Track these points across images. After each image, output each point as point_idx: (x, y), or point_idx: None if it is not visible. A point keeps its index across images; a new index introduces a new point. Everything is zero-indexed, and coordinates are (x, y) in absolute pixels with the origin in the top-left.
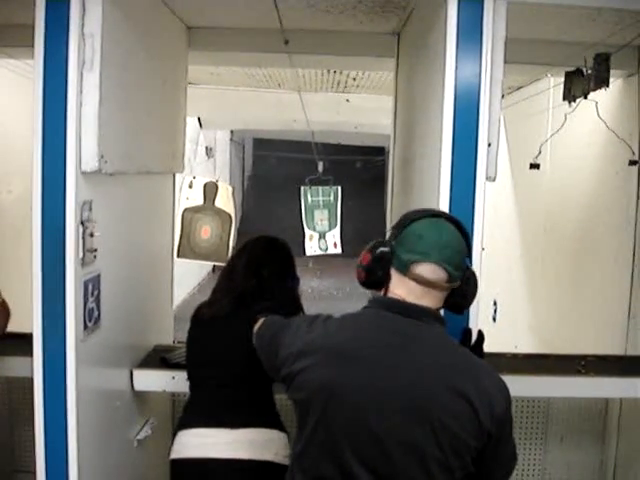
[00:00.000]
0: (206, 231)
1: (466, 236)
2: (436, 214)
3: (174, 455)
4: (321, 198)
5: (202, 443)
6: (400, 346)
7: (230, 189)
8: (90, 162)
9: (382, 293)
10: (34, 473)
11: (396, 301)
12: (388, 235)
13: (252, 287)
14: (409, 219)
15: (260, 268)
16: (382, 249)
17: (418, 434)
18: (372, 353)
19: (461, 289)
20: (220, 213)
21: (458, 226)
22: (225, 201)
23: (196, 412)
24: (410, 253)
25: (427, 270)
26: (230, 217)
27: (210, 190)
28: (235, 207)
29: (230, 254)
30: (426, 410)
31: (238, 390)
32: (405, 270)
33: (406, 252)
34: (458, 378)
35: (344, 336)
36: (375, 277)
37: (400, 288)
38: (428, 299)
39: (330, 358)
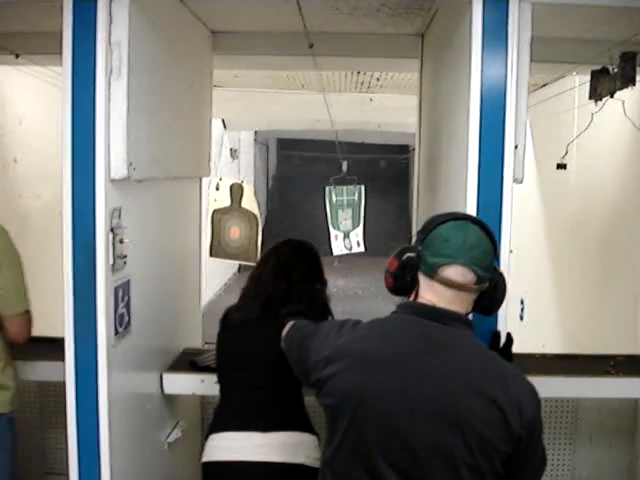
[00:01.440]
0: (235, 232)
1: (492, 238)
2: (461, 217)
3: (206, 458)
4: (345, 197)
5: (234, 446)
6: (430, 352)
7: (252, 189)
8: (119, 169)
9: (412, 298)
10: (66, 475)
11: (425, 306)
12: (414, 240)
13: (281, 291)
14: (434, 223)
15: (289, 272)
16: (409, 254)
17: (449, 439)
18: (402, 359)
19: (490, 291)
20: (247, 214)
21: (484, 228)
22: (250, 202)
23: (227, 415)
24: (437, 256)
25: (455, 272)
26: (256, 217)
27: (236, 191)
28: (259, 207)
29: (259, 254)
30: (456, 416)
31: (268, 393)
32: (433, 274)
33: (433, 256)
34: (488, 383)
35: (374, 342)
36: (403, 283)
37: (429, 293)
38: (458, 304)
39: (360, 364)
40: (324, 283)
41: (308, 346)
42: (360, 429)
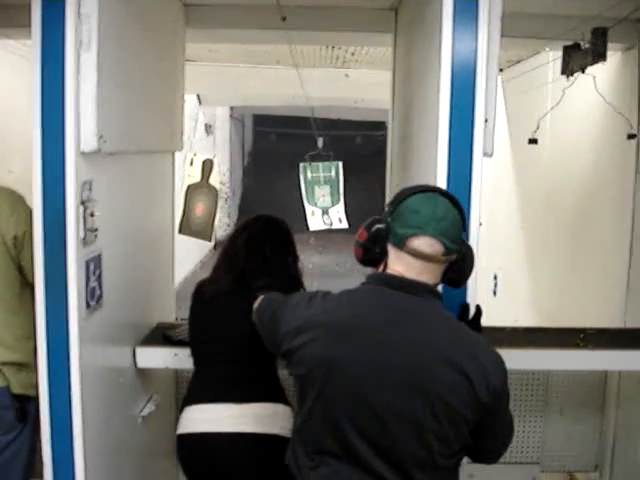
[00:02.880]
0: (199, 208)
1: (461, 210)
2: (430, 189)
3: (180, 430)
4: (322, 174)
5: (208, 418)
6: (398, 321)
7: (215, 161)
8: (89, 142)
9: (381, 269)
10: (39, 451)
11: (394, 277)
12: (385, 211)
13: (253, 265)
14: (404, 195)
15: (261, 246)
16: (378, 226)
17: (416, 407)
18: (371, 329)
19: (458, 263)
20: (212, 190)
21: (452, 200)
22: (215, 177)
23: (202, 388)
24: (406, 228)
25: (423, 243)
26: (216, 192)
27: (207, 167)
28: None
29: (212, 231)
30: (424, 384)
31: (242, 366)
32: (401, 245)
33: (402, 227)
34: (455, 352)
35: (343, 312)
36: (372, 254)
37: (398, 264)
38: (427, 275)
39: (329, 334)
40: (296, 257)
41: (278, 317)
42: (329, 398)
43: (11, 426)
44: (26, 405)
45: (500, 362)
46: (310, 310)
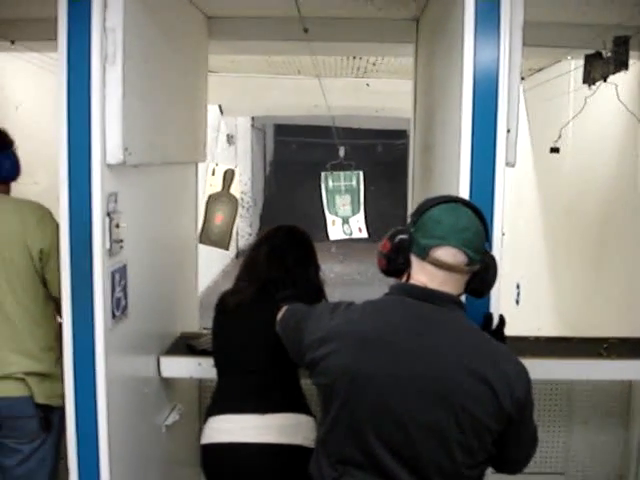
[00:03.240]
0: (219, 217)
1: (483, 220)
2: (453, 199)
3: (205, 440)
4: (343, 183)
5: (232, 428)
6: (422, 332)
7: (237, 171)
8: (115, 154)
9: (404, 280)
10: (65, 459)
11: (417, 287)
12: (408, 222)
13: (276, 275)
14: (427, 206)
15: (283, 257)
16: (401, 236)
17: (440, 417)
18: (394, 339)
19: (481, 273)
20: (232, 199)
21: (475, 210)
22: (236, 187)
23: (225, 399)
24: (428, 238)
25: (446, 254)
26: (236, 202)
27: (229, 177)
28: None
29: (230, 240)
30: (448, 394)
31: (265, 376)
32: (424, 255)
33: (424, 237)
34: (478, 362)
35: (367, 322)
36: (396, 264)
37: (421, 274)
38: (450, 285)
39: (353, 344)
40: (318, 267)
41: (302, 328)
42: (353, 408)
43: (35, 435)
44: (50, 415)
45: (524, 372)
46: (334, 320)
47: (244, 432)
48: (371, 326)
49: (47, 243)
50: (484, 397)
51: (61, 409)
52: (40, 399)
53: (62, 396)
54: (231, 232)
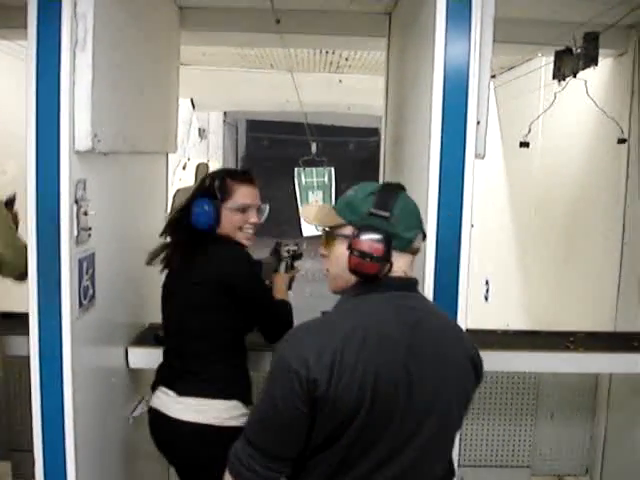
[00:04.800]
0: None
1: None
2: (395, 186)
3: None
4: (315, 179)
5: (161, 396)
6: (415, 323)
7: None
8: (83, 141)
9: (385, 272)
10: (31, 451)
11: (399, 278)
12: (372, 218)
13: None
14: (393, 197)
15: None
16: (384, 234)
17: (447, 404)
18: (396, 338)
19: None
20: None
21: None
22: None
23: (159, 374)
24: (410, 230)
25: (419, 240)
26: None
27: (201, 171)
28: None
29: None
30: (451, 381)
31: (186, 360)
32: (408, 247)
33: (407, 230)
34: (464, 342)
35: (379, 352)
36: (386, 264)
37: (402, 265)
38: (413, 268)
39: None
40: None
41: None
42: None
43: None
44: None
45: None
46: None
47: (166, 405)
48: (376, 349)
49: None
50: (472, 374)
51: None
52: None
53: None
54: None
